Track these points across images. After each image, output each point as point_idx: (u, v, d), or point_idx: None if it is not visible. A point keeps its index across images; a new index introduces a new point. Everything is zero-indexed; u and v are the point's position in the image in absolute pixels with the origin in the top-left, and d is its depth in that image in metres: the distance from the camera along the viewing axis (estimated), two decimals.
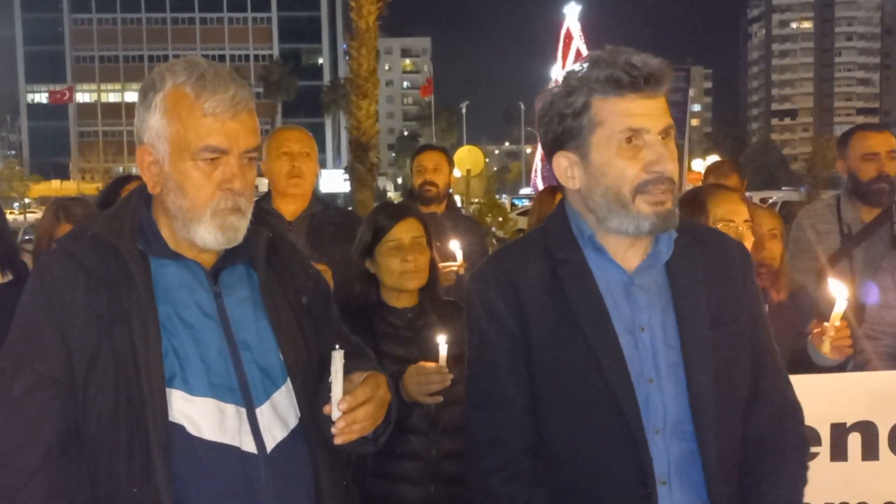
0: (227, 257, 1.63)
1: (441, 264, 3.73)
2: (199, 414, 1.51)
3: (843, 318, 2.27)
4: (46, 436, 1.48)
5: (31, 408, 1.48)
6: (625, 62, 1.47)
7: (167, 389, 1.50)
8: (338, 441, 1.48)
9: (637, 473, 1.52)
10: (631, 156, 1.48)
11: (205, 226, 1.55)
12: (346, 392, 1.47)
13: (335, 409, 1.46)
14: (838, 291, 2.22)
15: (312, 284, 1.76)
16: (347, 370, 1.50)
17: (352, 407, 1.46)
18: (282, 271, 1.69)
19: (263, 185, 3.39)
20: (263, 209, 3.22)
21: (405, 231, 2.53)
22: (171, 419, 1.49)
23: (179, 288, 1.57)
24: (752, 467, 1.62)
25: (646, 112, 1.47)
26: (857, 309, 2.89)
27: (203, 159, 1.53)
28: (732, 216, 2.43)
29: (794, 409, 1.68)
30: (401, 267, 2.50)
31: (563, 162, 1.57)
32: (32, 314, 1.54)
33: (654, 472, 1.52)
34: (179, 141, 1.53)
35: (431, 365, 2.26)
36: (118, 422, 1.48)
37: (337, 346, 1.48)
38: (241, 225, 1.58)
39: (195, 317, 1.56)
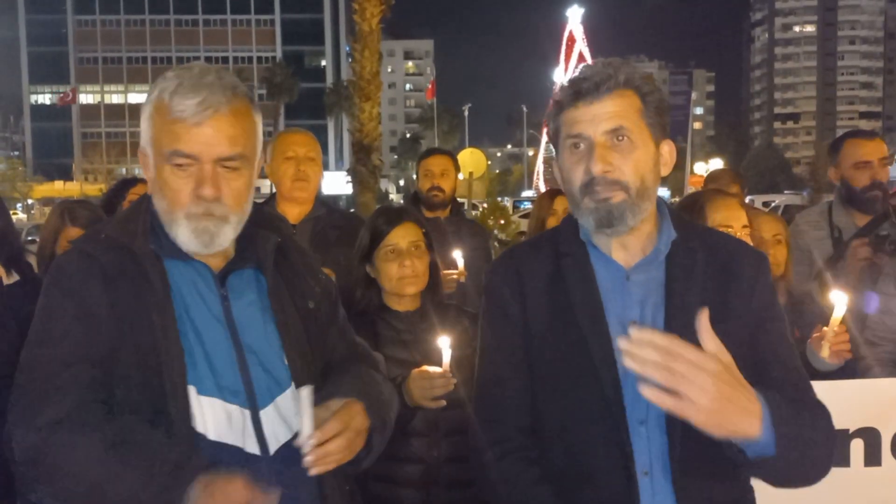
0: (237, 261, 1.66)
1: (442, 272, 3.74)
2: (207, 413, 1.53)
3: (843, 323, 2.28)
4: (71, 391, 1.46)
5: (58, 374, 1.48)
6: (575, 76, 1.63)
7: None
8: (312, 473, 1.48)
9: (620, 462, 1.56)
10: (576, 159, 1.62)
11: (181, 229, 1.57)
12: (319, 423, 1.47)
13: (305, 444, 1.45)
14: (837, 297, 2.23)
15: (320, 289, 1.77)
16: (341, 388, 1.54)
17: (321, 441, 1.46)
18: (290, 276, 1.71)
19: (265, 186, 3.41)
20: (269, 213, 3.26)
21: (402, 236, 2.54)
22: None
23: (189, 289, 1.60)
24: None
25: (585, 118, 1.59)
26: (854, 315, 2.88)
27: (175, 164, 1.55)
28: (731, 222, 2.44)
29: (818, 406, 1.63)
30: (398, 272, 2.51)
31: (555, 168, 1.73)
32: (53, 312, 1.55)
33: (636, 461, 1.56)
34: (157, 146, 1.57)
35: (435, 369, 2.26)
36: (141, 413, 1.49)
37: (306, 384, 1.48)
38: (221, 230, 1.58)
39: (203, 318, 1.59)
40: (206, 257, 1.63)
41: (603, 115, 1.57)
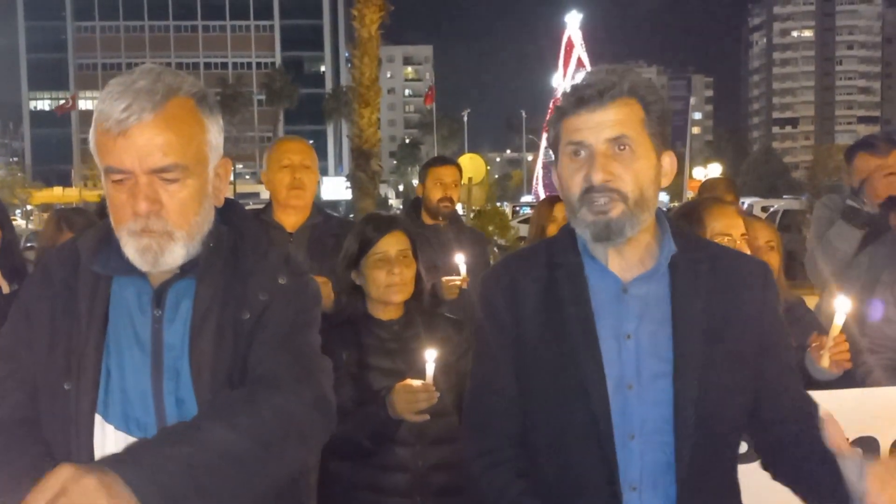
0: (179, 272, 1.53)
1: (444, 278, 3.73)
2: (109, 443, 1.46)
3: (842, 331, 2.27)
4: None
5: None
6: (578, 82, 1.60)
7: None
8: None
9: (606, 476, 1.55)
10: (576, 167, 1.58)
11: (128, 247, 1.47)
12: None
13: None
14: (838, 305, 2.21)
15: (267, 297, 1.53)
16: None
17: None
18: (233, 283, 1.53)
19: (265, 194, 3.41)
20: (263, 221, 3.26)
21: (391, 244, 2.53)
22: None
23: (124, 311, 1.53)
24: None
25: (586, 126, 1.56)
26: (860, 317, 2.86)
27: (112, 180, 1.45)
28: (730, 230, 2.42)
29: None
30: (387, 280, 2.50)
31: (554, 174, 1.71)
32: (10, 322, 1.57)
33: (623, 476, 1.54)
34: (98, 160, 1.48)
35: (418, 383, 2.25)
36: (56, 438, 1.47)
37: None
38: (166, 248, 1.46)
39: (128, 343, 1.51)
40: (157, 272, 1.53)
41: (605, 123, 1.54)
